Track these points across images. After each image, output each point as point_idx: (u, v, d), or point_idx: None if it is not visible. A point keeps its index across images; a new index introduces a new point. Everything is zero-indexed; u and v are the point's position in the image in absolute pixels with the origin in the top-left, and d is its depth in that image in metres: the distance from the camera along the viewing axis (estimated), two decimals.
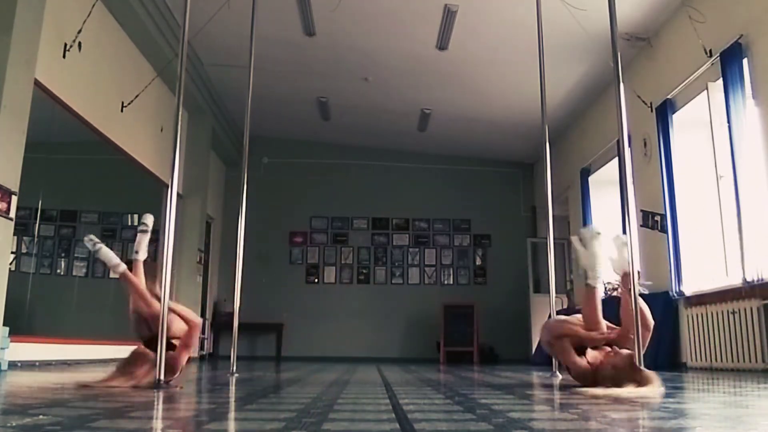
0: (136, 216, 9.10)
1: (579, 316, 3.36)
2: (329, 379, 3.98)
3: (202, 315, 9.73)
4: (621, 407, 2.31)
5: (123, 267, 3.23)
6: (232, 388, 3.02)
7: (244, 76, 5.21)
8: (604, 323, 3.27)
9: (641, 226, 7.12)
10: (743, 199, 5.16)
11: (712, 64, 5.74)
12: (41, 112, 5.28)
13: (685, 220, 6.28)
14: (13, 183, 4.73)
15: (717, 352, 5.54)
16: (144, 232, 3.46)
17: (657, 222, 6.84)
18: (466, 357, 9.93)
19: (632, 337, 3.07)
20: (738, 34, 5.36)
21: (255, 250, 9.14)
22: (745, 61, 5.35)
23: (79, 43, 5.85)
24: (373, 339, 10.79)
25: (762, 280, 4.99)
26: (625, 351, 3.13)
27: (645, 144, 7.11)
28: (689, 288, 6.17)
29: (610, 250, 3.36)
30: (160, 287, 3.12)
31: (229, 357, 4.72)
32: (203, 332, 9.75)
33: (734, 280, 5.41)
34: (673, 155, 6.45)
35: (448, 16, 6.88)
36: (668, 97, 6.51)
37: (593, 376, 3.12)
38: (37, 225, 7.61)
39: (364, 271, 11.33)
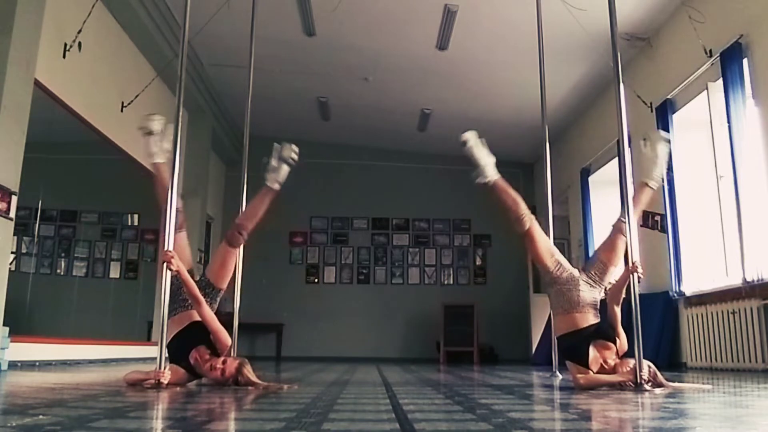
0: (136, 216, 9.12)
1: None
2: (329, 379, 3.98)
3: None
4: (622, 407, 2.31)
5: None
6: (233, 388, 3.02)
7: (244, 76, 5.21)
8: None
9: (641, 226, 7.10)
10: (743, 199, 5.16)
11: (712, 64, 5.74)
12: (41, 112, 5.28)
13: (685, 220, 6.28)
14: (13, 183, 4.73)
15: (717, 352, 5.54)
16: (148, 134, 3.50)
17: (657, 222, 6.84)
18: (466, 357, 9.92)
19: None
20: (738, 34, 5.36)
21: (255, 250, 9.12)
22: (745, 61, 5.35)
23: (79, 43, 5.84)
24: (373, 339, 10.78)
25: (762, 280, 4.99)
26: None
27: (645, 144, 7.10)
28: (689, 288, 6.17)
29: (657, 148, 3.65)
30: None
31: None
32: None
33: (734, 280, 5.41)
34: (673, 155, 6.44)
35: (448, 16, 6.88)
36: (668, 97, 6.51)
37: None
38: (37, 225, 7.61)
39: (364, 271, 11.32)
